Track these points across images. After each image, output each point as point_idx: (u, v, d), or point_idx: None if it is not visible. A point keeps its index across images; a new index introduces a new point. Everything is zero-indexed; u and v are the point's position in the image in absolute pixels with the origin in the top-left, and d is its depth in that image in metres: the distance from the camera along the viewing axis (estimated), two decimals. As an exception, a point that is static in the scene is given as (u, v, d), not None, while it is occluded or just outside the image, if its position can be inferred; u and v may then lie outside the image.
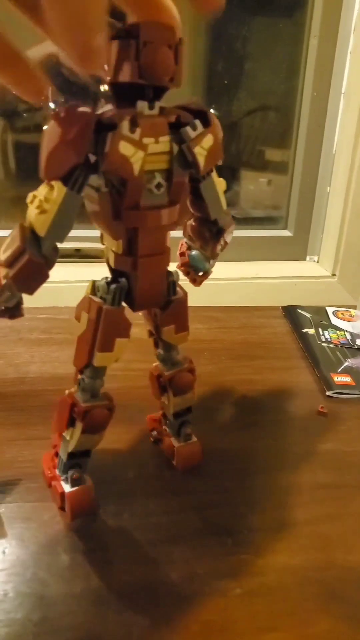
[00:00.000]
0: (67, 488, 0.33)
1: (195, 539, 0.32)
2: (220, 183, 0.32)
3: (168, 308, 0.33)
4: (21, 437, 0.42)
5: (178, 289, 0.34)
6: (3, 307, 0.30)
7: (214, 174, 0.31)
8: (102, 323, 0.30)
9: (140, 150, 0.26)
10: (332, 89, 0.78)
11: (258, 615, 0.28)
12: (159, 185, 0.28)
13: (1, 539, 0.32)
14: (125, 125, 0.26)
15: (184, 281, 0.37)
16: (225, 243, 0.35)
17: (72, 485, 0.33)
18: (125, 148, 0.26)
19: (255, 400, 0.48)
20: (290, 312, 0.64)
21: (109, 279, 0.31)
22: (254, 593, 0.29)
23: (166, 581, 0.29)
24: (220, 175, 0.32)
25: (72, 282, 0.66)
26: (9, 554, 0.31)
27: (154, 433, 0.41)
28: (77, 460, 0.34)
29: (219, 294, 0.67)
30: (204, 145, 0.29)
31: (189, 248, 0.38)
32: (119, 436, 0.42)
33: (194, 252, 0.37)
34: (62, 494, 0.33)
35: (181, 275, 0.36)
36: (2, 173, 1.00)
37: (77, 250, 0.81)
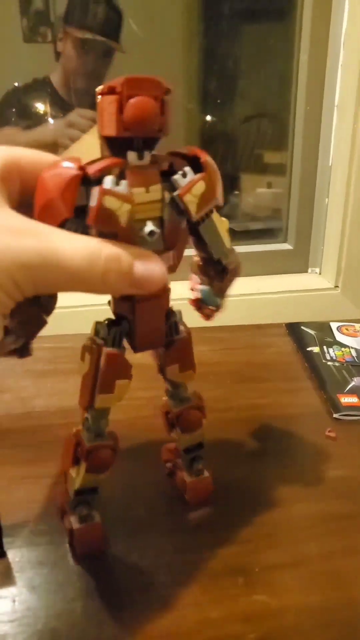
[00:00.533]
0: (75, 524, 0.33)
1: (208, 579, 0.32)
2: (222, 222, 0.32)
3: (171, 348, 0.34)
4: (30, 475, 0.41)
5: (182, 327, 0.34)
6: (11, 349, 0.31)
7: (215, 215, 0.31)
8: (102, 365, 0.31)
9: (126, 203, 0.27)
10: (325, 102, 0.79)
11: (275, 660, 0.27)
12: (151, 234, 0.28)
13: (11, 587, 0.32)
14: (108, 180, 0.27)
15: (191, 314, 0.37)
16: (232, 280, 0.35)
17: (81, 522, 0.33)
18: (110, 202, 0.26)
19: (263, 426, 0.48)
20: (294, 330, 0.64)
21: (109, 321, 0.32)
22: (270, 637, 0.28)
23: (180, 628, 0.29)
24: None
25: (74, 307, 0.66)
26: (19, 602, 0.31)
27: (169, 465, 0.40)
28: (84, 497, 0.34)
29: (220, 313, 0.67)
30: (195, 192, 0.29)
31: (201, 283, 0.38)
32: (128, 469, 0.41)
33: (205, 288, 0.37)
34: (71, 530, 0.33)
35: (189, 311, 0.37)
36: None
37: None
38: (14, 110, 1.08)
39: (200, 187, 0.29)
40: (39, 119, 1.08)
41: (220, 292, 0.36)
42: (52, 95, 1.07)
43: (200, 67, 1.00)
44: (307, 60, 0.75)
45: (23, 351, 0.31)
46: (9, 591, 0.32)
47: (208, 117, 1.06)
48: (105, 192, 0.26)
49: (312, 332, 0.63)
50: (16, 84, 1.06)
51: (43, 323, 0.30)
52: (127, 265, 0.26)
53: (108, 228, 0.27)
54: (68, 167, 0.27)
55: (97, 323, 0.32)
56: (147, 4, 0.98)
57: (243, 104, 1.00)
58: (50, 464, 0.42)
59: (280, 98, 0.88)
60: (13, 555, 0.34)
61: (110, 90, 0.26)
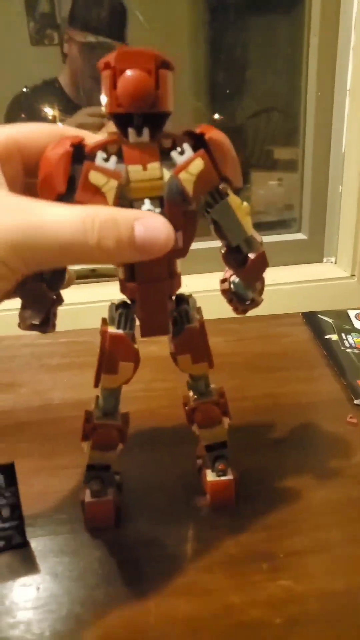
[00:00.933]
0: (87, 498, 0.34)
1: (231, 565, 0.32)
2: (241, 206, 0.30)
3: (179, 336, 0.33)
4: (48, 467, 0.41)
5: (197, 316, 0.33)
6: (31, 323, 0.32)
7: (231, 198, 0.30)
8: (107, 346, 0.31)
9: (112, 180, 0.26)
10: (337, 86, 0.77)
11: (302, 645, 0.27)
12: None
13: (34, 575, 0.32)
14: (98, 156, 0.26)
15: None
16: (255, 270, 0.33)
17: (92, 496, 0.34)
18: (95, 178, 0.26)
19: (282, 415, 0.47)
20: (310, 319, 0.63)
21: (119, 303, 0.32)
22: (296, 622, 0.28)
23: (204, 614, 0.29)
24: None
25: (89, 303, 0.66)
26: (43, 590, 0.31)
27: (199, 461, 0.39)
28: (96, 472, 0.34)
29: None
30: (192, 170, 0.27)
31: (233, 274, 0.35)
32: (149, 459, 0.41)
33: (237, 279, 0.35)
34: (82, 501, 0.35)
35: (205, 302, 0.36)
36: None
37: (93, 270, 0.81)
38: (22, 115, 1.08)
39: (197, 164, 0.27)
40: (48, 122, 1.08)
41: (247, 284, 0.34)
42: (60, 97, 1.07)
43: (207, 59, 0.99)
44: (317, 44, 0.74)
45: (44, 326, 0.32)
46: (33, 579, 0.32)
47: (216, 116, 1.05)
48: (90, 167, 0.26)
49: (329, 320, 0.62)
50: (24, 89, 1.06)
51: (51, 299, 0.31)
52: (126, 227, 0.25)
53: (94, 203, 0.26)
54: (62, 144, 0.27)
55: (110, 305, 0.33)
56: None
57: (251, 98, 0.99)
58: (68, 456, 0.42)
59: (290, 86, 0.87)
60: (35, 544, 0.34)
61: (106, 66, 0.26)
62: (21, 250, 0.24)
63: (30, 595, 0.31)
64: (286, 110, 0.93)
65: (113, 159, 0.27)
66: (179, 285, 0.32)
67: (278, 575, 0.31)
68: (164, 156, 0.28)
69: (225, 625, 0.28)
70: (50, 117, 1.08)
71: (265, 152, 1.00)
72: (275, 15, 0.90)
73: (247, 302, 0.35)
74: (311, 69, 0.77)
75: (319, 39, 0.75)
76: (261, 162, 1.01)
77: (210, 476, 0.36)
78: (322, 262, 0.84)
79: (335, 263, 0.83)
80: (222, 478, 0.36)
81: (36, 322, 0.32)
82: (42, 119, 1.07)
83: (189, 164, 0.27)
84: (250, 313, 0.68)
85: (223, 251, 0.33)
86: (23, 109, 1.08)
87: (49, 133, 0.30)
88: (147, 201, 0.27)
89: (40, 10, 1.02)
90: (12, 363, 0.58)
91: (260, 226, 0.90)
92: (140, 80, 0.25)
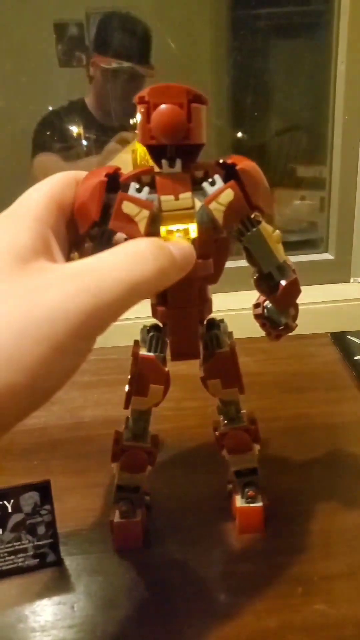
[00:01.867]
0: (116, 518, 0.35)
1: (265, 588, 0.31)
2: (272, 234, 0.31)
3: (210, 361, 0.33)
4: (80, 485, 0.42)
5: (228, 340, 0.33)
6: None
7: (263, 226, 0.30)
8: (138, 368, 0.32)
9: (144, 210, 0.27)
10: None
11: (338, 672, 0.27)
12: None
13: (69, 594, 0.32)
14: (131, 187, 0.28)
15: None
16: (287, 297, 0.33)
17: (121, 517, 0.35)
18: (128, 207, 0.27)
19: (312, 436, 0.47)
20: (339, 339, 0.63)
21: (151, 326, 0.33)
22: (332, 648, 0.28)
23: (239, 637, 0.29)
24: None
25: (118, 321, 0.67)
26: (78, 609, 0.31)
27: (229, 486, 0.38)
28: (125, 493, 0.35)
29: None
30: (222, 200, 0.28)
31: (266, 300, 0.36)
32: (178, 479, 0.42)
33: (270, 304, 0.35)
34: (111, 522, 0.35)
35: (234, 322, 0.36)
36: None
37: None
38: (48, 133, 1.12)
39: (227, 195, 0.28)
40: (75, 141, 1.11)
41: (279, 309, 0.34)
42: (86, 117, 1.10)
43: (231, 81, 1.01)
44: (344, 71, 0.75)
45: None
46: (67, 597, 0.32)
47: (239, 134, 1.06)
48: (123, 197, 0.27)
49: (358, 341, 0.62)
50: (50, 108, 1.09)
51: None
52: (169, 250, 0.25)
53: (127, 233, 0.27)
54: (98, 174, 0.28)
55: (142, 328, 0.33)
56: (176, 20, 0.99)
57: (276, 118, 1.00)
58: (100, 474, 0.43)
59: (315, 109, 0.88)
60: (69, 562, 0.34)
61: (141, 100, 0.27)
62: (95, 313, 0.22)
63: (65, 614, 0.31)
64: (311, 130, 0.94)
65: (146, 189, 0.28)
66: (210, 310, 0.33)
67: (313, 599, 0.30)
68: (196, 186, 0.28)
69: (261, 649, 0.28)
70: (75, 135, 1.11)
71: (288, 170, 1.00)
72: (300, 40, 0.92)
73: (281, 327, 0.35)
74: (338, 94, 0.78)
75: (346, 66, 0.76)
76: (284, 181, 1.01)
77: (239, 502, 0.36)
78: (349, 282, 0.83)
79: (363, 283, 0.83)
80: (252, 505, 0.35)
81: None
82: (70, 137, 1.09)
83: (219, 194, 0.28)
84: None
85: (255, 277, 0.33)
86: (50, 128, 1.11)
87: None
88: (178, 232, 0.28)
89: (70, 34, 1.05)
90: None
91: (286, 246, 0.90)
92: (172, 114, 0.26)
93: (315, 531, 0.36)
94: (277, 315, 0.34)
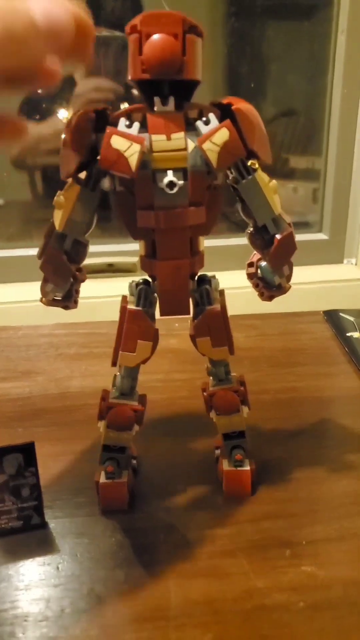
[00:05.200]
0: (102, 479, 0.34)
1: (253, 550, 0.31)
2: (268, 184, 0.30)
3: (199, 317, 0.32)
4: (67, 452, 0.41)
5: (216, 297, 0.32)
6: (53, 298, 0.32)
7: (259, 175, 0.29)
8: (125, 323, 0.31)
9: (135, 144, 0.26)
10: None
11: (325, 631, 0.26)
12: (171, 184, 0.27)
13: (54, 555, 0.32)
14: (122, 121, 0.26)
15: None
16: (282, 253, 0.32)
17: (107, 478, 0.34)
18: (117, 142, 0.26)
19: (301, 408, 0.47)
20: (332, 317, 0.63)
21: (139, 281, 0.32)
22: (319, 607, 0.27)
23: (225, 596, 0.28)
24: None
25: (106, 297, 0.66)
26: (63, 569, 0.31)
27: (217, 451, 0.38)
28: (111, 454, 0.34)
29: (255, 301, 0.66)
30: (216, 140, 0.27)
31: (261, 258, 0.34)
32: (167, 447, 0.41)
33: (264, 263, 0.34)
34: (97, 482, 0.34)
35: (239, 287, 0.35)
36: (30, 196, 1.02)
37: (110, 265, 0.81)
38: (36, 116, 1.09)
39: (222, 134, 0.27)
40: (64, 119, 1.09)
41: (273, 267, 0.32)
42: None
43: (226, 60, 0.99)
44: (344, 41, 0.74)
45: (66, 301, 0.32)
46: (52, 558, 0.31)
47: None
48: (112, 132, 0.26)
49: (351, 318, 0.61)
50: (40, 90, 1.07)
51: (67, 270, 0.31)
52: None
53: (117, 168, 0.26)
54: (82, 112, 0.27)
55: (131, 282, 0.32)
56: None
57: (276, 98, 0.99)
58: (86, 442, 0.42)
59: (315, 84, 0.86)
60: (54, 525, 0.34)
61: (132, 29, 0.25)
62: None
63: (50, 573, 0.30)
64: (310, 110, 0.93)
65: (136, 125, 0.26)
66: (201, 264, 0.32)
67: (301, 561, 0.30)
68: (190, 127, 0.27)
69: (248, 607, 0.28)
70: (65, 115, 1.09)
71: (282, 160, 1.00)
72: (302, 16, 0.90)
73: (274, 288, 0.34)
74: (337, 66, 0.76)
75: (346, 36, 0.75)
76: (280, 166, 1.00)
77: (226, 465, 0.36)
78: (342, 263, 0.83)
79: (356, 264, 0.82)
80: (239, 468, 0.35)
81: (58, 296, 0.32)
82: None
83: (213, 133, 0.27)
84: (271, 310, 0.68)
85: (249, 231, 0.32)
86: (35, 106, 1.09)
87: None
88: (169, 172, 0.27)
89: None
90: (29, 352, 0.59)
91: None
92: (165, 45, 0.24)
93: (304, 498, 0.36)
94: (271, 274, 0.34)
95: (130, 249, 0.78)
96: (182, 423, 0.45)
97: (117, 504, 0.34)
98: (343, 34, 0.76)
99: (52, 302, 0.32)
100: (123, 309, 0.32)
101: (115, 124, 0.27)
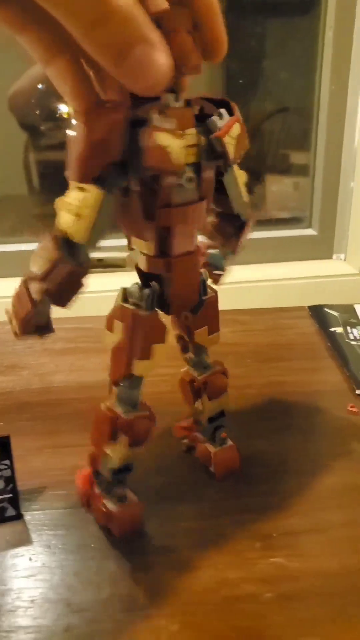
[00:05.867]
0: (112, 506, 0.31)
1: (226, 543, 0.31)
2: (241, 175, 0.31)
3: (200, 309, 0.32)
4: (49, 446, 0.41)
5: (208, 288, 0.33)
6: (34, 327, 0.29)
7: (235, 167, 0.30)
8: (139, 330, 0.29)
9: (176, 139, 0.25)
10: (351, 80, 0.77)
11: (295, 621, 0.27)
12: (190, 180, 0.27)
13: (27, 546, 0.32)
14: (156, 117, 0.25)
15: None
16: (246, 236, 0.34)
17: (119, 502, 0.32)
18: (161, 138, 0.25)
19: (285, 402, 0.47)
20: (317, 312, 0.63)
21: (140, 284, 0.30)
22: (289, 598, 0.28)
23: (195, 587, 0.28)
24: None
25: (95, 292, 0.66)
26: (35, 560, 0.31)
27: (185, 441, 0.39)
28: (120, 476, 0.32)
29: (243, 296, 0.66)
30: (232, 134, 0.28)
31: (209, 247, 0.36)
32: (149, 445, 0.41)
33: (214, 251, 0.35)
34: (108, 513, 0.31)
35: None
36: (26, 190, 1.02)
37: (100, 260, 0.81)
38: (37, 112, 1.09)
39: (236, 129, 0.28)
40: (64, 120, 1.08)
41: (235, 251, 0.34)
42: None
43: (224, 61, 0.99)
44: (332, 37, 0.74)
45: (45, 329, 0.29)
46: (25, 549, 0.32)
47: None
48: (155, 128, 0.25)
49: (335, 313, 0.61)
50: (40, 87, 1.07)
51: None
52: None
53: (163, 166, 0.25)
54: (114, 106, 0.25)
55: (126, 289, 0.30)
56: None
57: (266, 95, 0.99)
58: (69, 435, 0.42)
59: (304, 81, 0.86)
60: (30, 517, 0.34)
61: None
62: None
63: (22, 564, 0.30)
64: (299, 107, 0.93)
65: (173, 120, 0.25)
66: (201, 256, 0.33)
67: (272, 553, 0.30)
68: (197, 122, 0.27)
69: (217, 598, 0.28)
70: (65, 115, 1.09)
71: (278, 153, 1.00)
72: (291, 14, 0.90)
73: (221, 273, 0.36)
74: (325, 63, 0.76)
75: (334, 32, 0.75)
76: (273, 162, 1.00)
77: (212, 448, 0.36)
78: (331, 258, 0.83)
79: (345, 260, 0.82)
80: (226, 446, 0.36)
81: (42, 322, 0.29)
82: (58, 117, 1.07)
83: (230, 127, 0.27)
84: (258, 305, 0.68)
85: (216, 221, 0.33)
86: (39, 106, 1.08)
87: None
88: (187, 168, 0.27)
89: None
90: (14, 346, 0.59)
91: (271, 222, 0.89)
92: (185, 42, 0.24)
93: (284, 491, 0.36)
94: (221, 261, 0.35)
95: (119, 244, 0.78)
96: (166, 416, 0.44)
97: (134, 527, 0.32)
98: (331, 30, 0.75)
99: (32, 332, 0.29)
100: (134, 316, 0.29)
101: (145, 120, 0.25)
